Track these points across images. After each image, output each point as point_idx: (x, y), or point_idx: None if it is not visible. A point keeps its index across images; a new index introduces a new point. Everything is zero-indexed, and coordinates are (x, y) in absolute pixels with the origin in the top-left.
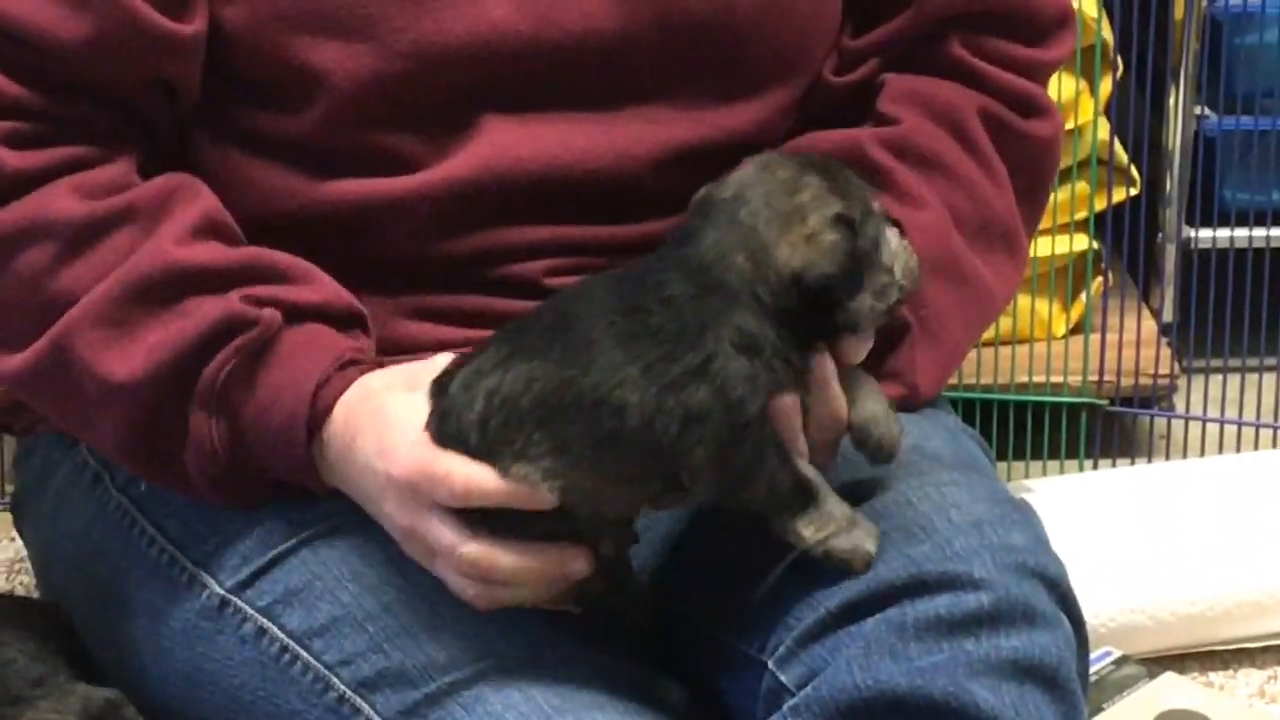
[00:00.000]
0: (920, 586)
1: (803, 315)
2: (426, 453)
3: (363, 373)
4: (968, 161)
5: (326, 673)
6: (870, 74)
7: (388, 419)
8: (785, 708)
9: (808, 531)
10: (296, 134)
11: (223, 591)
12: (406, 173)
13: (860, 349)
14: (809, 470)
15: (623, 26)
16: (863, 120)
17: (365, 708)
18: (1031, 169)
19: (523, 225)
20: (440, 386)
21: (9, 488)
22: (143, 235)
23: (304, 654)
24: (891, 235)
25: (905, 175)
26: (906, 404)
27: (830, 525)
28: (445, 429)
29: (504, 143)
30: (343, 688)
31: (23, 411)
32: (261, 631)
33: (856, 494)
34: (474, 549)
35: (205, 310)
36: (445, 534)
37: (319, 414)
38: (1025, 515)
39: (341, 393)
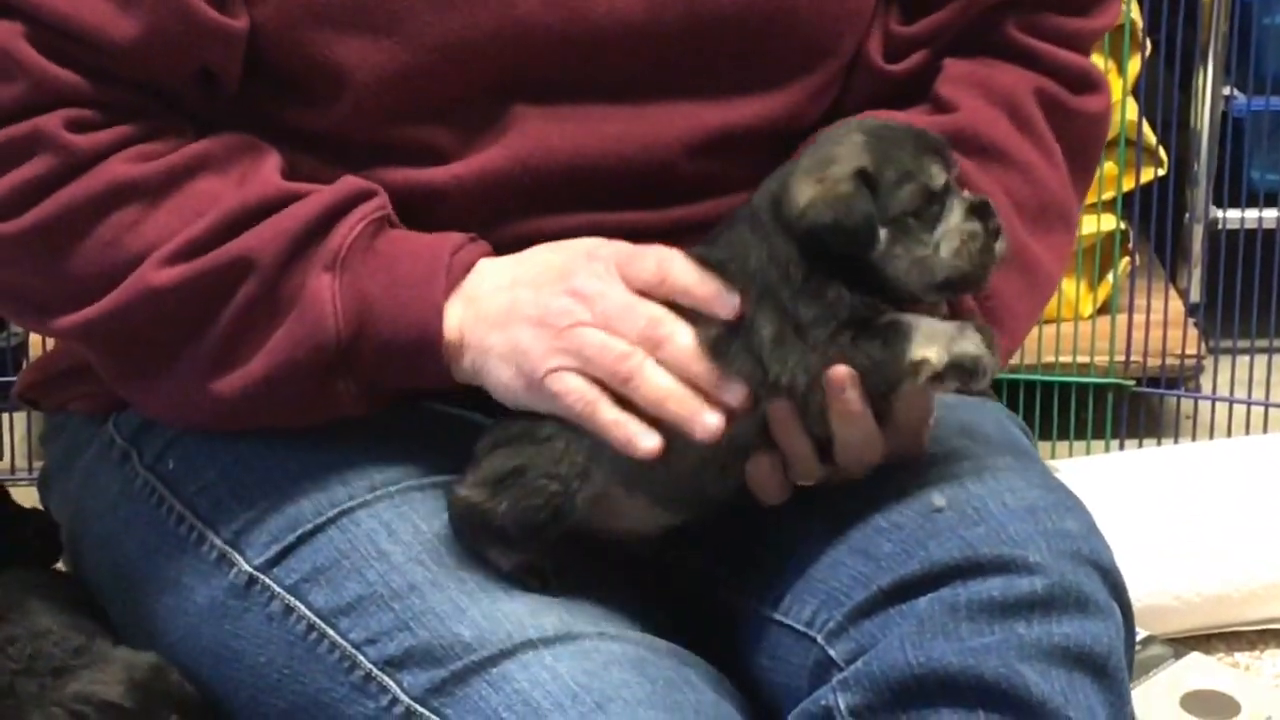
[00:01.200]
0: (974, 568)
1: (835, 265)
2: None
3: None
4: (1026, 145)
5: (353, 651)
6: (923, 63)
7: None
8: (834, 681)
9: (927, 352)
10: (326, 127)
11: (250, 569)
12: (438, 164)
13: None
14: (890, 315)
15: (651, 18)
16: (916, 104)
17: (392, 685)
18: (1083, 144)
19: (556, 214)
20: None
21: (37, 464)
22: (227, 179)
23: (331, 632)
24: (955, 214)
25: (964, 165)
26: (963, 390)
27: (942, 337)
28: None
29: (535, 134)
30: (369, 666)
31: (54, 388)
32: (289, 609)
33: (911, 476)
34: (660, 309)
35: (321, 192)
36: (632, 296)
37: (459, 267)
38: (1077, 502)
39: (484, 253)
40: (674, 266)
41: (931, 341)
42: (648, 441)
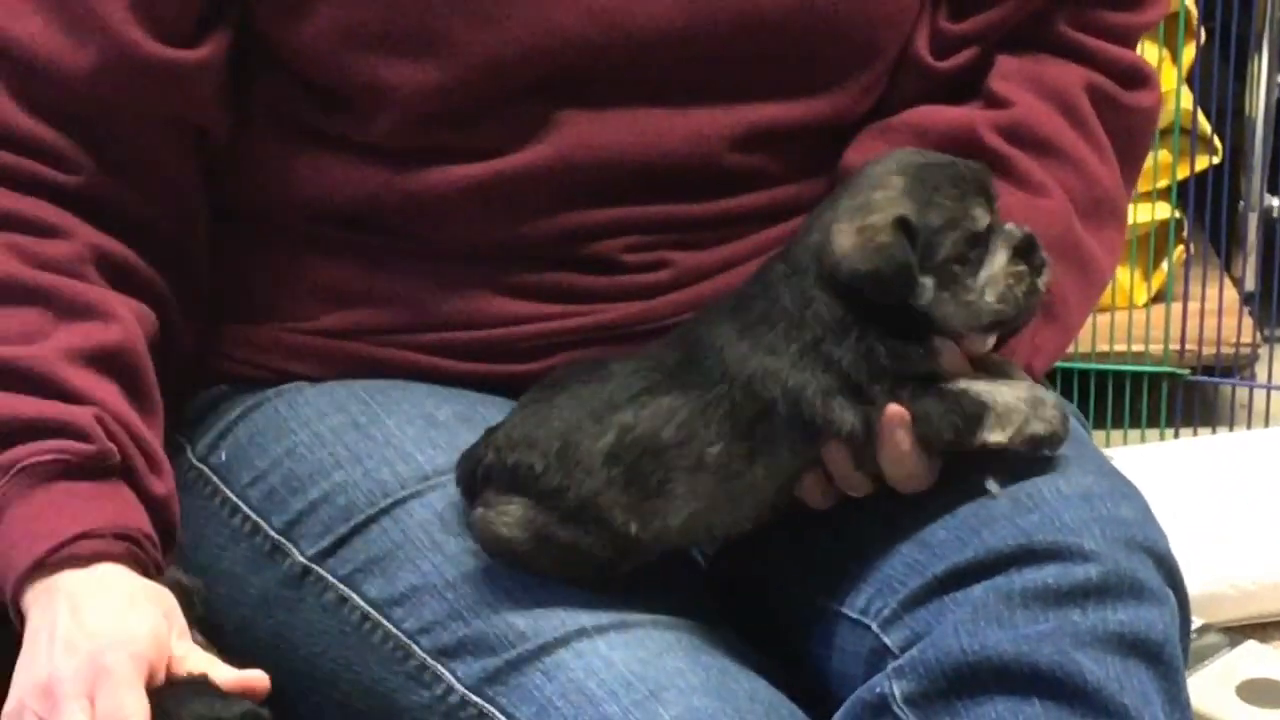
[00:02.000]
0: (1029, 556)
1: (881, 311)
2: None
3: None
4: (1079, 141)
5: (407, 641)
6: (972, 60)
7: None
8: (889, 669)
9: (999, 436)
10: (367, 137)
11: (304, 560)
12: (480, 161)
13: (958, 355)
14: (964, 383)
15: (690, 26)
16: (967, 100)
17: (446, 675)
18: (1133, 139)
19: (601, 208)
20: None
21: None
22: (23, 324)
23: (385, 622)
24: (1000, 257)
25: (1024, 161)
26: None
27: (1016, 418)
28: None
29: (576, 134)
30: (423, 655)
31: None
32: (342, 600)
33: (962, 462)
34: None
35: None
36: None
37: (50, 565)
38: (1132, 488)
39: (99, 557)
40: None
41: (1006, 424)
42: None
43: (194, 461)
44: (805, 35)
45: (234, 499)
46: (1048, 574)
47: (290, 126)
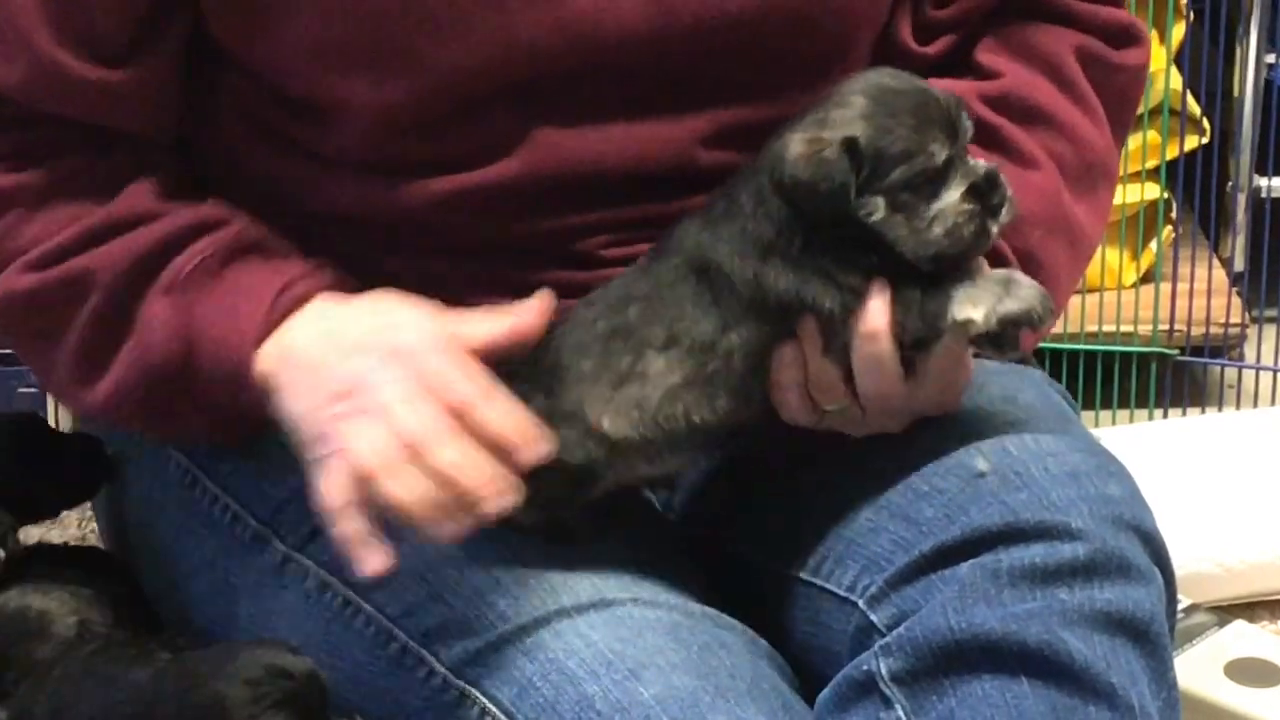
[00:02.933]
0: (1016, 534)
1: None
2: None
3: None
4: (1070, 106)
5: (389, 625)
6: (956, 44)
7: (399, 314)
8: (876, 646)
9: (972, 312)
10: (335, 149)
11: (285, 549)
12: (450, 174)
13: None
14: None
15: (658, 33)
16: (955, 76)
17: (428, 658)
18: (1124, 98)
19: (577, 213)
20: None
21: None
22: (104, 194)
23: (366, 607)
24: (952, 193)
25: (1013, 131)
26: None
27: (987, 297)
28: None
29: (549, 145)
30: (405, 639)
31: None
32: (324, 586)
33: (952, 440)
34: (471, 388)
35: (175, 214)
36: (450, 369)
37: (282, 306)
38: (1120, 466)
39: (317, 290)
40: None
41: (978, 302)
42: (368, 565)
43: (174, 453)
44: (772, 37)
45: (215, 489)
46: (1035, 552)
47: (263, 131)
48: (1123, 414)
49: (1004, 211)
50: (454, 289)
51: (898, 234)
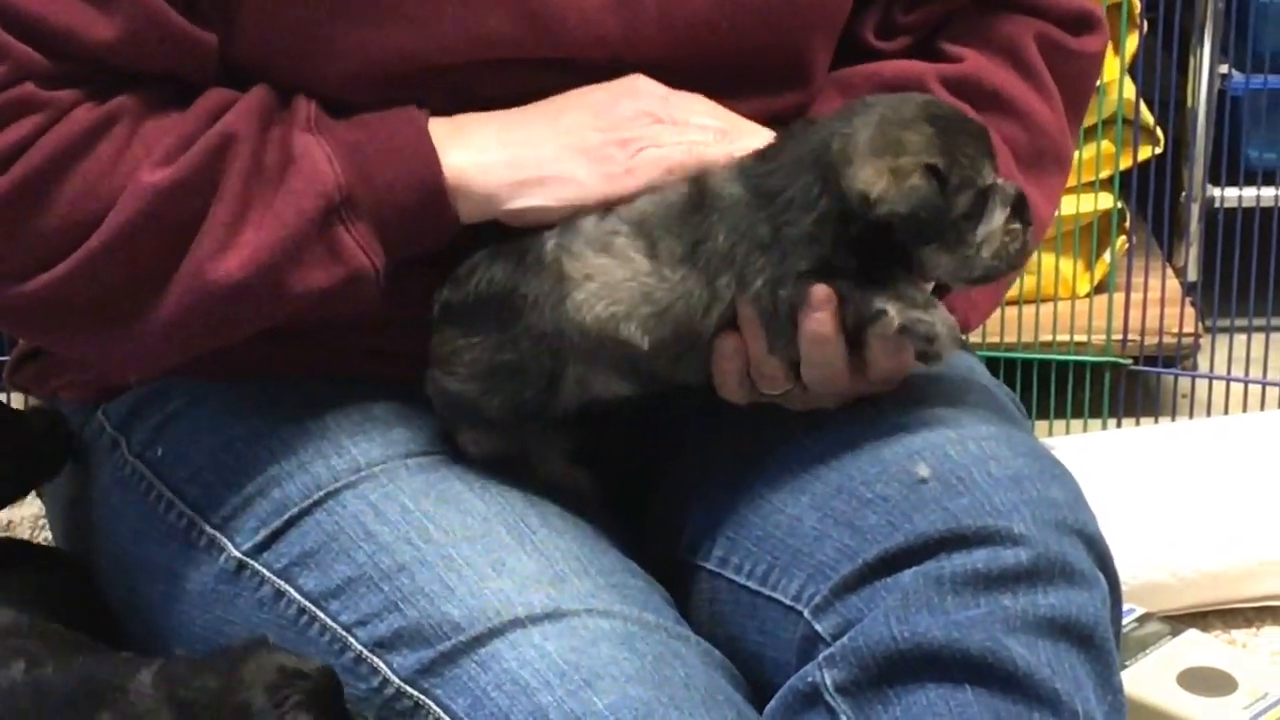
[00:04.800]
0: (959, 540)
1: (868, 247)
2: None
3: None
4: (1028, 92)
5: (344, 633)
6: (918, 41)
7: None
8: (820, 657)
9: (889, 305)
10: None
11: (240, 555)
12: None
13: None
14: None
15: (625, 31)
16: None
17: (382, 667)
18: (1081, 84)
19: None
20: None
21: None
22: (195, 98)
23: (321, 615)
24: (998, 214)
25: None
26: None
27: (909, 301)
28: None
29: None
30: (360, 648)
31: (42, 375)
32: (279, 594)
33: (896, 445)
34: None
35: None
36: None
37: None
38: (1063, 470)
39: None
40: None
41: (898, 301)
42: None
43: (130, 458)
44: (735, 35)
45: (170, 495)
46: (978, 558)
47: None
48: (1076, 424)
49: (1030, 228)
50: (415, 295)
51: (938, 262)
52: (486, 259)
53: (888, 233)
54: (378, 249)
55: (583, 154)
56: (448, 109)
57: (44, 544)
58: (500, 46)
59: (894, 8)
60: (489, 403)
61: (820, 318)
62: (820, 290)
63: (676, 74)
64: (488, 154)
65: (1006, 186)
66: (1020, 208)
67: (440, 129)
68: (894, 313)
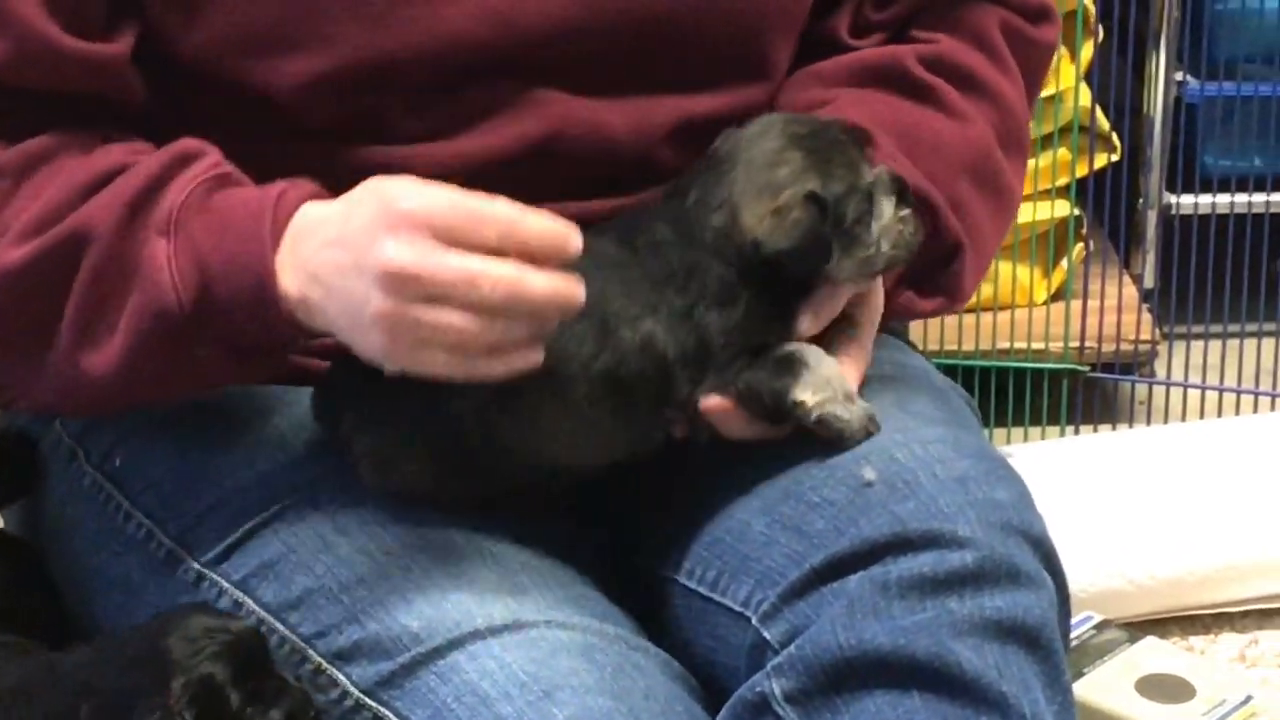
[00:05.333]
0: (904, 544)
1: (775, 278)
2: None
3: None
4: (998, 76)
5: (303, 645)
6: (891, 37)
7: (384, 182)
8: (769, 666)
9: (805, 396)
10: (271, 129)
11: (198, 566)
12: (387, 150)
13: (825, 314)
14: (794, 346)
15: (584, 23)
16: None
17: (341, 679)
18: (1037, 71)
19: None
20: None
21: None
22: (81, 157)
23: (280, 627)
24: (886, 207)
25: (949, 92)
26: (945, 310)
27: (827, 391)
28: None
29: (480, 133)
30: (319, 659)
31: (2, 386)
32: (238, 605)
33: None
34: (508, 268)
35: (152, 157)
36: (470, 262)
37: (284, 212)
38: (1010, 471)
39: (310, 195)
40: (525, 223)
41: (817, 390)
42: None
43: (89, 469)
44: (696, 31)
45: (128, 506)
46: (923, 562)
47: (196, 122)
48: (1034, 431)
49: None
50: None
51: (844, 270)
52: None
53: (780, 272)
54: (230, 367)
55: (374, 327)
56: (405, 121)
57: None
58: (462, 42)
59: (865, 6)
60: (440, 491)
61: (730, 423)
62: (710, 404)
63: (643, 59)
64: (312, 295)
65: (884, 175)
66: (903, 191)
67: (281, 254)
68: (811, 404)
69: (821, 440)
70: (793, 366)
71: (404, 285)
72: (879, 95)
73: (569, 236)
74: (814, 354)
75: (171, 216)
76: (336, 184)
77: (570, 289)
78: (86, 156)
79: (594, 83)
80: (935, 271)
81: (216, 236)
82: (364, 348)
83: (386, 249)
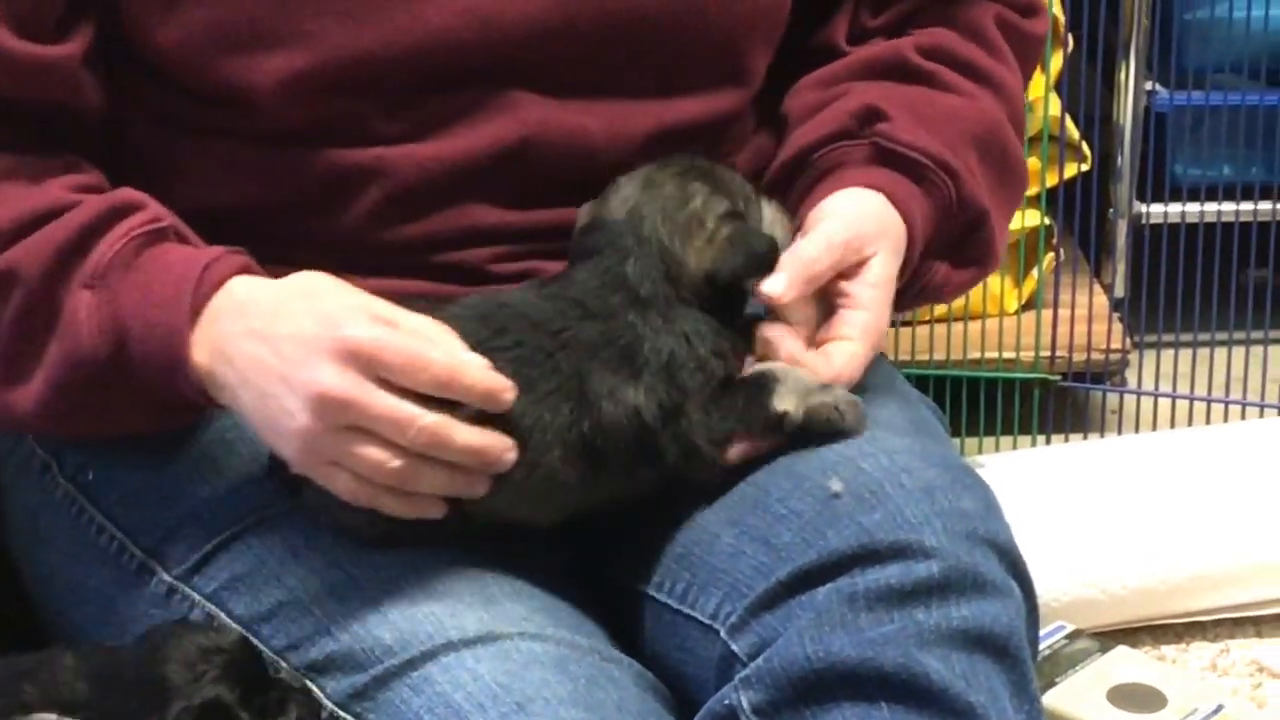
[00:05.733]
0: (871, 555)
1: (729, 300)
2: (388, 325)
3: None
4: (996, 65)
5: (275, 657)
6: (887, 39)
7: (322, 293)
8: (737, 679)
9: (787, 404)
10: (243, 134)
11: (170, 579)
12: (364, 150)
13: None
14: (756, 369)
15: (563, 24)
16: None
17: (316, 692)
18: (1028, 63)
19: (474, 206)
20: None
21: None
22: (26, 189)
23: (253, 640)
24: (767, 210)
25: (950, 75)
26: (978, 280)
27: (801, 388)
28: None
29: (458, 133)
30: (292, 672)
31: None
32: (209, 618)
33: (807, 459)
34: (436, 419)
35: (88, 204)
36: (401, 406)
37: (209, 284)
38: (976, 480)
39: (239, 270)
40: (465, 374)
41: (793, 394)
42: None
43: (62, 481)
44: (675, 36)
45: (100, 518)
46: (890, 573)
47: (170, 124)
48: (1005, 440)
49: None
50: None
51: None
52: None
53: (738, 288)
54: (153, 418)
55: (292, 438)
56: (382, 123)
57: None
58: (441, 40)
59: (861, 13)
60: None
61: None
62: (742, 450)
63: (623, 61)
64: (223, 375)
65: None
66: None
67: (200, 328)
68: (793, 410)
69: (819, 434)
70: (763, 385)
71: (334, 412)
72: (884, 84)
73: (504, 391)
74: (777, 368)
75: (98, 271)
76: (313, 187)
77: (493, 445)
78: (30, 189)
79: (572, 86)
80: (964, 240)
81: (138, 296)
82: (274, 446)
83: (323, 375)
